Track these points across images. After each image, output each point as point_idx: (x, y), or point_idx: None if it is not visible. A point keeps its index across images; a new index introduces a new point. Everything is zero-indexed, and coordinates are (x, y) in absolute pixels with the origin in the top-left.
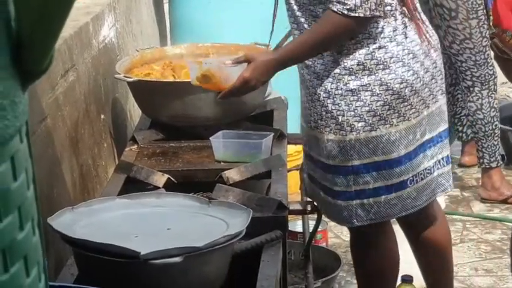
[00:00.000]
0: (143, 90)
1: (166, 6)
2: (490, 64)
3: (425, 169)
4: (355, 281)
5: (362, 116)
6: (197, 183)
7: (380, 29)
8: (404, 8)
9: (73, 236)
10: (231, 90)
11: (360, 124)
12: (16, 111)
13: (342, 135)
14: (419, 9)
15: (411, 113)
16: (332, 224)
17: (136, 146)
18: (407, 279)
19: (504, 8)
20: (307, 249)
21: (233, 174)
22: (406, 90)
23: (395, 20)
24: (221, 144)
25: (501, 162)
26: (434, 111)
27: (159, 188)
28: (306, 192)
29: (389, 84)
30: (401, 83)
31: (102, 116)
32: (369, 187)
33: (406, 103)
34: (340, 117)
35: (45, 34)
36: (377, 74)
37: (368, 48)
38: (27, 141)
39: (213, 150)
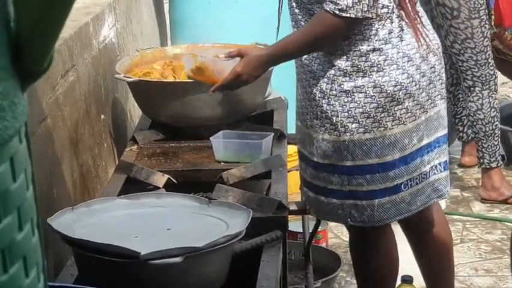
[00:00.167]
0: (144, 91)
1: (166, 6)
2: (491, 64)
3: (421, 174)
4: (355, 281)
5: (355, 118)
6: (197, 183)
7: (374, 31)
8: (401, 12)
9: (72, 236)
10: (223, 83)
11: (353, 125)
12: (15, 112)
13: (336, 135)
14: (421, 12)
15: (407, 117)
16: (332, 224)
17: (136, 146)
18: (407, 279)
19: (506, 7)
20: (308, 249)
21: (233, 175)
22: (400, 93)
23: (391, 22)
24: (221, 144)
25: (501, 163)
26: (432, 116)
27: (159, 188)
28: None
29: (382, 87)
30: (395, 85)
31: (102, 116)
32: (363, 189)
33: (401, 106)
34: (334, 118)
35: (45, 35)
36: (371, 76)
37: (362, 50)
38: (27, 142)
39: (213, 150)
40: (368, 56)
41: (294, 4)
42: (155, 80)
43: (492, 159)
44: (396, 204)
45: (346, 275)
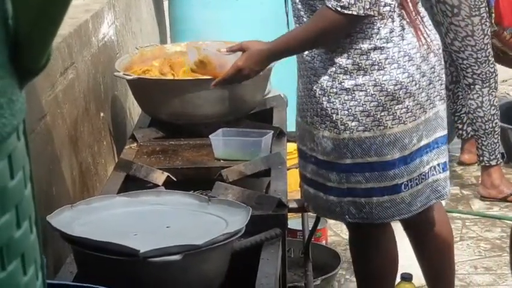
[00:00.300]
0: (143, 88)
1: (165, 4)
2: (491, 62)
3: (420, 174)
4: (354, 279)
5: (355, 116)
6: (196, 181)
7: (376, 30)
8: (402, 11)
9: (72, 234)
10: (224, 77)
11: (353, 123)
12: (13, 109)
13: (336, 133)
14: (422, 13)
15: (407, 116)
16: (332, 222)
17: (135, 144)
18: (407, 277)
19: (506, 6)
20: (307, 247)
21: (232, 172)
22: (400, 92)
23: (393, 21)
24: (221, 142)
25: (501, 160)
26: (430, 117)
27: (159, 186)
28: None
29: (383, 85)
30: (395, 84)
31: (101, 114)
32: (361, 187)
33: (401, 105)
34: (334, 116)
35: (43, 32)
36: (371, 75)
37: (363, 48)
38: (25, 140)
39: (212, 148)
40: (369, 54)
41: (297, 0)
42: (154, 77)
43: (492, 157)
44: (396, 204)
45: (345, 272)
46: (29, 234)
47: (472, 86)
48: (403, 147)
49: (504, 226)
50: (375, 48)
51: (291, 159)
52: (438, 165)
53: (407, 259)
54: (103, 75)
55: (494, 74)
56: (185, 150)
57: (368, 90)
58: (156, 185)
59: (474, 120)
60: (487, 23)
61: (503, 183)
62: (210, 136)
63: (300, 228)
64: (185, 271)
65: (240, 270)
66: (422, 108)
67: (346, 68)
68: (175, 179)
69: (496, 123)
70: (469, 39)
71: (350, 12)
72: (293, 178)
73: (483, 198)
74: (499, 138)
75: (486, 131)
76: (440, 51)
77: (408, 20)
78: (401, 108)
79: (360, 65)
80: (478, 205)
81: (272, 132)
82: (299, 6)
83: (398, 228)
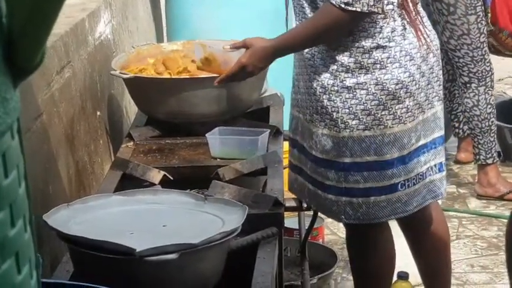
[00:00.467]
0: (139, 87)
1: (162, 3)
2: (487, 60)
3: (418, 174)
4: (351, 278)
5: (356, 114)
6: (193, 180)
7: (378, 29)
8: (403, 11)
9: (68, 232)
10: (228, 74)
11: (354, 122)
12: (7, 108)
13: (336, 131)
14: (422, 13)
15: (407, 116)
16: (328, 220)
17: (132, 142)
18: (403, 275)
19: (502, 7)
20: (304, 245)
21: (229, 171)
22: (401, 92)
23: (394, 21)
24: (217, 141)
25: (497, 159)
26: (429, 117)
27: (155, 184)
28: (291, 189)
29: (384, 84)
30: (397, 83)
31: (98, 113)
32: (359, 186)
33: (401, 105)
34: (335, 114)
35: (37, 30)
36: (373, 73)
37: (366, 47)
38: (19, 138)
39: (209, 146)
40: (371, 53)
41: None
42: (151, 76)
43: (488, 156)
44: (392, 203)
45: (342, 271)
46: (23, 233)
47: (468, 85)
48: (402, 146)
49: (500, 225)
50: (377, 47)
51: (287, 158)
52: (435, 165)
53: (404, 258)
54: (99, 74)
55: (490, 73)
56: (182, 149)
57: (370, 89)
58: (153, 184)
59: (470, 119)
60: (483, 22)
61: (499, 182)
62: (206, 135)
63: (297, 227)
64: (182, 270)
65: (236, 269)
66: (421, 108)
67: (348, 66)
68: (171, 178)
69: (492, 121)
70: (464, 37)
71: (353, 8)
72: None
73: (479, 196)
74: (496, 136)
75: (482, 129)
76: (439, 51)
77: (408, 19)
78: (401, 108)
79: (362, 63)
80: (474, 204)
81: (269, 131)
82: (301, 2)
83: (394, 227)
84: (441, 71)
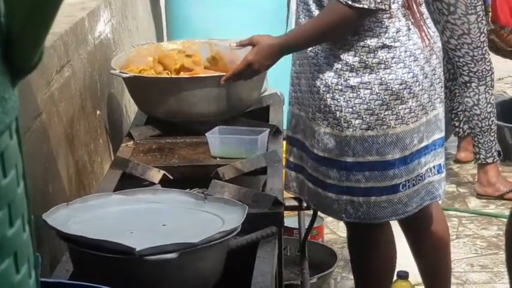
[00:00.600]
0: (139, 86)
1: (162, 2)
2: (488, 60)
3: (418, 175)
4: (351, 277)
5: (359, 114)
6: (193, 179)
7: (384, 28)
8: (407, 11)
9: (67, 232)
10: (234, 72)
11: (357, 121)
12: (5, 107)
13: (338, 130)
14: (426, 14)
15: (409, 117)
16: (328, 220)
17: (132, 142)
18: (403, 275)
19: (503, 5)
20: (303, 245)
21: (229, 170)
22: (405, 92)
23: (399, 21)
24: (217, 140)
25: (497, 158)
26: (431, 119)
27: (155, 184)
28: (290, 188)
29: (388, 84)
30: (401, 84)
31: (98, 112)
32: (361, 186)
33: (405, 106)
34: (338, 113)
35: (36, 29)
36: (377, 73)
37: (371, 47)
38: (18, 138)
39: (209, 146)
40: (376, 52)
41: None
42: (151, 75)
43: (488, 155)
44: (393, 204)
45: (342, 270)
46: (22, 232)
47: (468, 84)
48: (404, 147)
49: (500, 224)
50: (382, 47)
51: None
52: (434, 167)
53: (404, 257)
54: (99, 73)
55: (491, 72)
56: (182, 148)
57: (374, 89)
58: (152, 183)
59: (470, 118)
60: (483, 21)
61: (499, 181)
62: (206, 134)
63: (297, 226)
64: (182, 269)
65: (236, 268)
66: (424, 109)
67: (352, 66)
68: (171, 177)
69: (492, 121)
70: (465, 37)
71: (360, 5)
72: None
73: (479, 196)
74: (496, 136)
75: (482, 128)
76: (441, 53)
77: (413, 20)
78: (405, 109)
79: (367, 63)
80: (474, 203)
81: (268, 130)
82: (307, 0)
83: (395, 227)
84: (442, 73)
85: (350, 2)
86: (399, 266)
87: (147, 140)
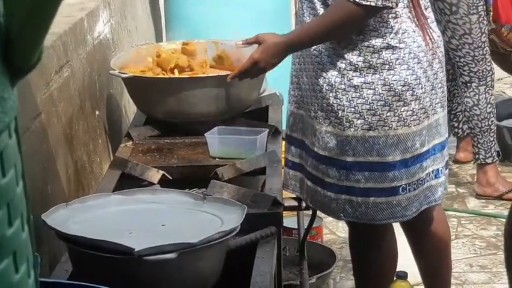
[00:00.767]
0: (138, 86)
1: (161, 2)
2: (488, 60)
3: (418, 179)
4: (350, 277)
5: (361, 114)
6: (192, 179)
7: (389, 29)
8: (412, 12)
9: (67, 232)
10: (240, 70)
11: (359, 121)
12: (4, 107)
13: (340, 129)
14: (431, 18)
15: (412, 119)
16: (327, 220)
17: (131, 142)
18: (402, 275)
19: (504, 2)
20: (302, 245)
21: (228, 171)
22: (407, 94)
23: (404, 22)
24: (216, 140)
25: (496, 159)
26: (432, 123)
27: (154, 184)
28: (288, 187)
29: (391, 85)
30: (403, 85)
31: (97, 112)
32: (360, 186)
33: (407, 108)
34: (340, 112)
35: (35, 29)
36: (381, 74)
37: (376, 47)
38: (17, 137)
39: (208, 146)
40: (380, 53)
41: None
42: (150, 76)
43: (487, 155)
44: (392, 206)
45: (341, 271)
46: (21, 232)
47: (468, 84)
48: (405, 149)
49: (499, 224)
50: (387, 48)
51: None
52: (432, 171)
53: (404, 258)
54: (98, 74)
55: (491, 72)
56: (181, 149)
57: (377, 89)
58: (151, 183)
59: (470, 118)
60: (485, 21)
61: (498, 181)
62: (205, 134)
63: (296, 226)
64: (181, 269)
65: (235, 268)
66: (426, 113)
67: (356, 65)
68: (170, 177)
69: (492, 121)
70: (466, 37)
71: (367, 3)
72: None
73: (478, 196)
74: (495, 136)
75: (482, 129)
76: (443, 58)
77: (418, 22)
78: (407, 111)
79: (371, 63)
80: (473, 203)
81: (267, 130)
82: None
83: (395, 226)
84: (445, 78)
85: (357, 0)
86: (399, 266)
87: (146, 140)
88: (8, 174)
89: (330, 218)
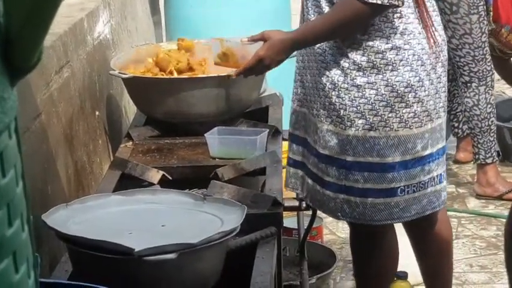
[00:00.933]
0: (138, 87)
1: (161, 2)
2: (488, 60)
3: (419, 183)
4: (350, 277)
5: (363, 114)
6: (192, 179)
7: (394, 30)
8: (417, 13)
9: (67, 232)
10: (246, 67)
11: (360, 121)
12: (4, 107)
13: (341, 128)
14: (438, 21)
15: (413, 121)
16: (327, 220)
17: (131, 142)
18: (402, 275)
19: (505, 3)
20: (303, 245)
21: (228, 171)
22: (410, 95)
23: (410, 23)
24: (216, 140)
25: (496, 159)
26: (435, 127)
27: (154, 184)
28: (288, 184)
29: (394, 86)
30: (406, 87)
31: (97, 113)
32: (358, 186)
33: (409, 109)
34: (342, 111)
35: (35, 29)
36: (384, 74)
37: (380, 47)
38: (17, 138)
39: (208, 146)
40: (385, 53)
41: None
42: (150, 76)
43: (487, 155)
44: (390, 207)
45: (341, 271)
46: (21, 232)
47: (468, 84)
48: (405, 151)
49: (499, 224)
50: (391, 48)
51: (286, 158)
52: (437, 176)
53: (404, 258)
54: (98, 74)
55: (491, 72)
56: (181, 149)
57: (379, 90)
58: (151, 184)
59: (470, 118)
60: (485, 21)
61: (498, 182)
62: (205, 134)
63: (296, 226)
64: (181, 270)
65: (235, 268)
66: (429, 116)
67: (360, 65)
68: (170, 178)
69: (492, 121)
70: (466, 37)
71: (374, 1)
72: None
73: (478, 196)
74: (495, 136)
75: (482, 129)
76: (446, 63)
77: (423, 25)
78: (409, 112)
79: (374, 63)
80: (473, 203)
81: (267, 130)
82: None
83: (397, 226)
84: (447, 82)
85: None
86: (400, 266)
87: (146, 141)
88: (8, 174)
89: (330, 219)
